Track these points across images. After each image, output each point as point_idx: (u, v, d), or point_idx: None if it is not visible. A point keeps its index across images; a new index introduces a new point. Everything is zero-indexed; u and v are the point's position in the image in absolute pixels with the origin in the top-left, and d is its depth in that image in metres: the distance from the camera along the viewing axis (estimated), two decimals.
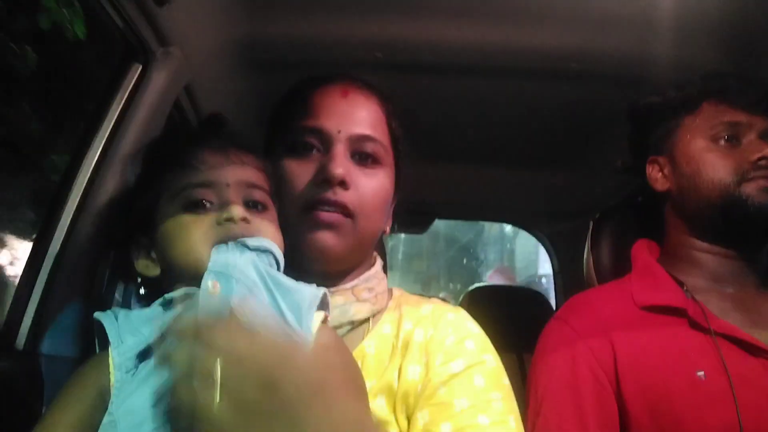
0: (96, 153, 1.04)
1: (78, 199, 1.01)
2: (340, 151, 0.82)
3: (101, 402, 0.65)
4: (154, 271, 0.74)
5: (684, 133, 1.08)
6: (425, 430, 0.74)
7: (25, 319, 0.96)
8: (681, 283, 1.02)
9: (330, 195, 0.79)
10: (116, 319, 0.71)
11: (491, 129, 1.69)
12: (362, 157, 0.84)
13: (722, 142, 1.04)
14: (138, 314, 0.71)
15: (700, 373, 0.91)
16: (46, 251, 0.99)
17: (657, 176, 1.12)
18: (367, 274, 0.87)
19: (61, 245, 0.98)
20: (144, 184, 0.79)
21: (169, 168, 0.74)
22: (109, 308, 1.03)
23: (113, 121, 1.06)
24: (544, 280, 7.17)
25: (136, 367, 0.65)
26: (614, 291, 1.07)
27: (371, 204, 0.83)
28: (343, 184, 0.80)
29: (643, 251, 1.13)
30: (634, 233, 1.19)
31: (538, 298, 2.23)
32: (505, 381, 0.81)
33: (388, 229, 0.92)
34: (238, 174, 0.73)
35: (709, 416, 0.88)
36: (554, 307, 2.22)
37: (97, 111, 1.09)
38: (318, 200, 0.80)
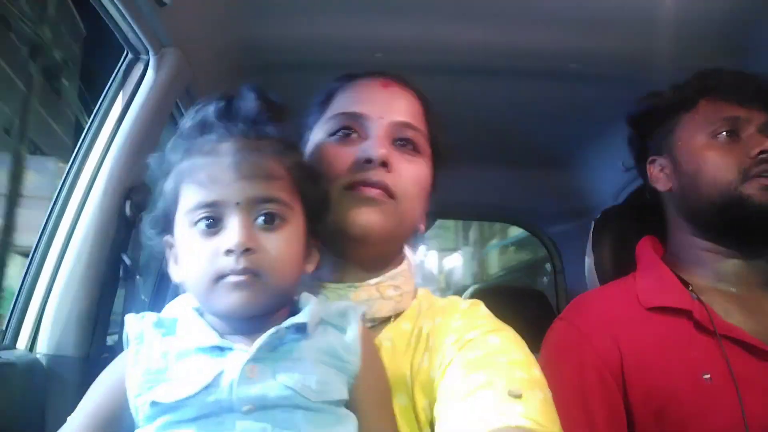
0: (98, 153, 1.05)
1: (80, 199, 1.01)
2: (382, 134, 0.81)
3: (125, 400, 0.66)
4: (176, 275, 0.70)
5: (683, 131, 1.07)
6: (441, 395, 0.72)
7: (27, 317, 0.96)
8: (686, 284, 1.01)
9: (372, 175, 0.78)
10: (143, 329, 0.68)
11: (493, 129, 1.69)
12: (403, 143, 0.83)
13: (722, 137, 1.02)
14: (167, 344, 0.67)
15: (706, 376, 0.90)
16: (48, 250, 1.00)
17: (659, 176, 1.10)
18: (393, 271, 0.83)
19: (63, 244, 0.99)
20: (163, 184, 0.71)
21: (183, 180, 0.68)
22: (111, 305, 1.04)
23: (115, 121, 1.07)
24: None
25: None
26: (619, 291, 1.06)
27: (412, 189, 0.82)
28: (385, 164, 0.79)
29: (648, 249, 1.11)
30: (636, 234, 1.18)
31: (539, 297, 2.23)
32: (526, 348, 0.78)
33: (422, 226, 0.89)
34: (247, 191, 0.66)
35: (714, 419, 0.87)
36: (554, 307, 2.22)
37: (98, 111, 1.09)
38: (360, 180, 0.78)
